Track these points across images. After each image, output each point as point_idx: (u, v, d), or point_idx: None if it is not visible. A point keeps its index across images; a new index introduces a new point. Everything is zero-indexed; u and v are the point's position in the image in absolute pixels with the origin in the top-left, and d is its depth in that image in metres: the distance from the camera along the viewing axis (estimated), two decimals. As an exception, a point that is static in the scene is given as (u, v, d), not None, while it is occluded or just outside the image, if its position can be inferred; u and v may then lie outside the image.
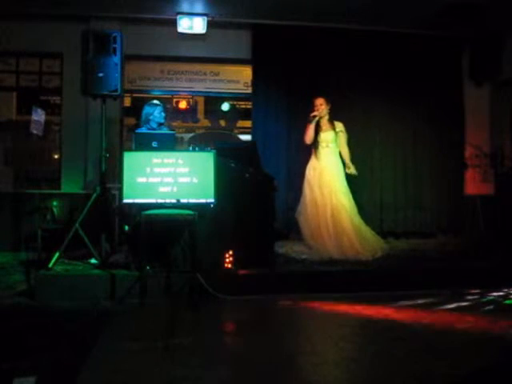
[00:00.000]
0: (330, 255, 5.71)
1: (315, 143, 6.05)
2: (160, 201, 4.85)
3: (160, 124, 5.80)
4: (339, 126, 6.11)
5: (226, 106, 8.80)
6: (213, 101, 8.86)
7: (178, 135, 8.20)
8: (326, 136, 6.06)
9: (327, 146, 6.05)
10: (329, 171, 6.00)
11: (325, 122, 6.09)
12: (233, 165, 5.27)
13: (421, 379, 3.07)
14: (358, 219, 6.08)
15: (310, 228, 5.99)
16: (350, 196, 6.04)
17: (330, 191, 5.94)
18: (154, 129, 5.77)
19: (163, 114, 5.82)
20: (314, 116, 5.99)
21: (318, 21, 7.04)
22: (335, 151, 6.08)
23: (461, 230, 7.46)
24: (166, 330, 3.93)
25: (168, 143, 5.37)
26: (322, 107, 6.03)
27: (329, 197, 5.92)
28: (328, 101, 6.07)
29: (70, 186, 6.89)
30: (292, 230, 6.69)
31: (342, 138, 6.13)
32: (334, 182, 5.98)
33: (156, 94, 7.54)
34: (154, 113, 5.77)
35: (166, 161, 4.88)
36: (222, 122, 9.20)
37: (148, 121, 5.78)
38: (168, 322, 4.17)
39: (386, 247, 6.15)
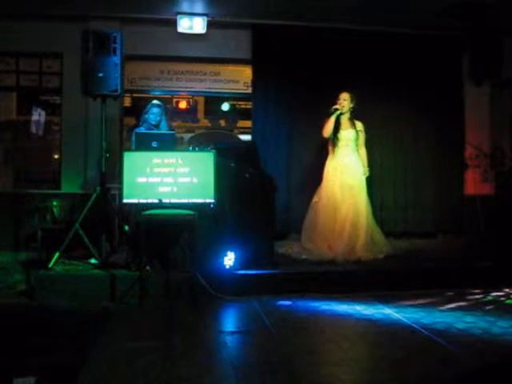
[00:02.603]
0: (335, 256, 5.65)
1: (334, 141, 5.89)
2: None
3: (153, 125, 5.79)
4: (359, 125, 5.98)
5: (226, 106, 8.80)
6: (213, 101, 8.86)
7: (178, 135, 8.20)
8: (347, 134, 5.90)
9: (347, 145, 5.91)
10: (350, 171, 5.88)
11: (345, 120, 5.95)
12: (233, 165, 5.27)
13: (421, 379, 3.07)
14: (372, 221, 6.03)
15: (319, 228, 5.89)
16: (367, 196, 5.97)
17: (351, 193, 5.83)
18: (151, 128, 5.78)
19: (158, 118, 5.79)
20: (336, 109, 5.82)
21: (317, 21, 7.03)
22: (355, 150, 5.95)
23: (461, 230, 7.45)
24: (166, 330, 3.93)
25: (168, 143, 5.37)
26: (344, 102, 5.86)
27: (350, 198, 5.81)
28: (353, 98, 5.91)
29: (70, 185, 6.88)
30: (292, 230, 6.69)
31: (362, 137, 6.01)
32: (356, 183, 5.88)
33: (156, 93, 7.53)
34: (148, 113, 5.80)
35: (165, 161, 4.89)
36: (222, 122, 9.20)
37: (145, 119, 5.81)
38: (168, 322, 4.17)
39: (390, 250, 6.07)
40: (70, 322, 4.11)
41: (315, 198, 6.05)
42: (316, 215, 5.98)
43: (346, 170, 5.89)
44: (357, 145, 5.99)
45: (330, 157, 6.01)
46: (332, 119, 5.86)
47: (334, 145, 5.92)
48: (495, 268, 5.53)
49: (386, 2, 6.36)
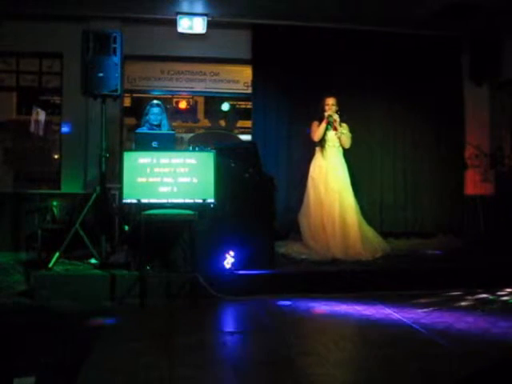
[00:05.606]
0: (333, 255, 5.70)
1: (321, 142, 6.08)
2: (160, 201, 4.85)
3: (154, 125, 5.79)
4: (344, 127, 6.12)
5: (225, 106, 8.79)
6: (213, 101, 8.85)
7: (178, 135, 8.19)
8: (333, 136, 6.08)
9: (333, 146, 6.09)
10: (335, 170, 6.04)
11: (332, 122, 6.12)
12: (233, 165, 5.27)
13: (421, 380, 3.07)
14: (361, 219, 6.12)
15: (312, 227, 5.98)
16: (353, 196, 6.06)
17: (336, 190, 5.96)
18: (152, 128, 5.78)
19: (158, 117, 5.79)
20: (330, 116, 6.00)
21: (317, 21, 7.04)
22: (340, 151, 6.13)
23: (461, 230, 7.46)
24: (166, 330, 3.93)
25: (168, 143, 5.37)
26: (333, 107, 6.05)
27: (335, 196, 5.94)
28: (337, 102, 6.09)
29: (70, 186, 6.88)
30: (292, 230, 6.68)
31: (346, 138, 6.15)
32: (340, 182, 6.02)
33: (156, 94, 7.53)
34: (149, 114, 5.80)
35: (165, 161, 4.89)
36: (222, 122, 9.19)
37: (146, 120, 5.81)
38: (168, 322, 4.17)
39: (387, 247, 6.14)
40: (69, 322, 4.11)
41: (304, 198, 6.13)
42: (308, 215, 6.05)
43: (331, 170, 6.04)
44: (342, 145, 6.12)
45: (316, 156, 6.15)
46: (324, 125, 6.01)
47: (322, 146, 6.09)
48: (495, 268, 5.53)
49: (387, 2, 6.36)
